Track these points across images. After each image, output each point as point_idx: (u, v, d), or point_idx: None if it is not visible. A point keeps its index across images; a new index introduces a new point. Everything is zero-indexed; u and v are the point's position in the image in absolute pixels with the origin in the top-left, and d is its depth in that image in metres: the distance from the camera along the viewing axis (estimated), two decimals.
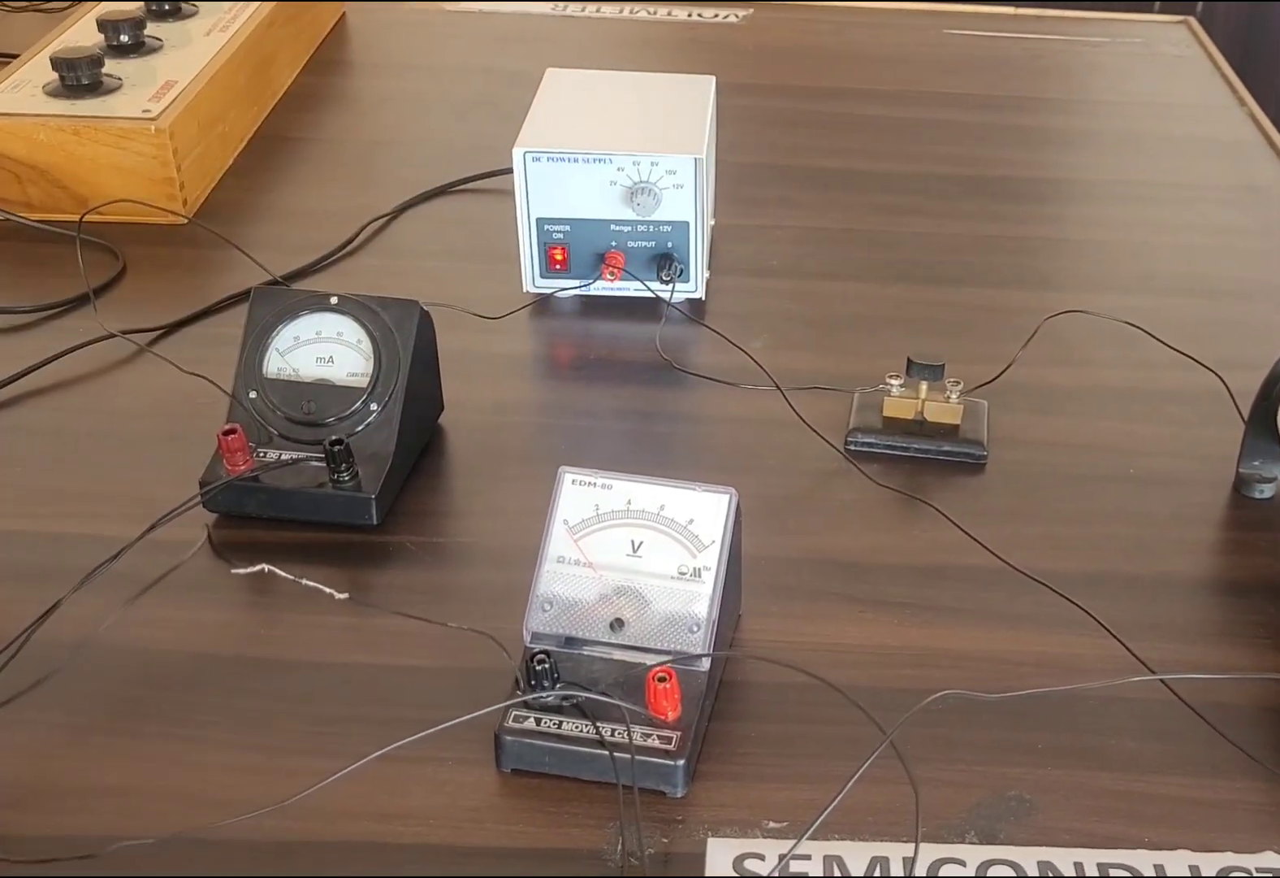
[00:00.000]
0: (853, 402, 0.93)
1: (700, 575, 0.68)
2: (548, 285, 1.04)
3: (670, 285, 1.01)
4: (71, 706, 0.70)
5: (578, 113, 1.05)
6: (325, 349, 0.84)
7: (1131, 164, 1.31)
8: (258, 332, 0.85)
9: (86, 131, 1.14)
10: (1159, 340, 0.95)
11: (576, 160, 0.99)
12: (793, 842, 0.62)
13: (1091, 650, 0.73)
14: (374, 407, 0.83)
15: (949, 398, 0.90)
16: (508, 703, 0.66)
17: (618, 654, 0.68)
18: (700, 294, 1.04)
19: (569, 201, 1.01)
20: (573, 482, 0.70)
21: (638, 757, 0.64)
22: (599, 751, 0.64)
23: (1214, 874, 0.61)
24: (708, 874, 0.61)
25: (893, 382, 0.90)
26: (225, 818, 0.63)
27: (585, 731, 0.65)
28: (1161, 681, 0.67)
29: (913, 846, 0.62)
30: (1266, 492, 0.86)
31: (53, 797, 0.65)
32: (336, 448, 0.80)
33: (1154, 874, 0.61)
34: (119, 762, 0.67)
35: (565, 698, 0.66)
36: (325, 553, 0.80)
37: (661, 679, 0.65)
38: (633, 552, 0.69)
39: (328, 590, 0.74)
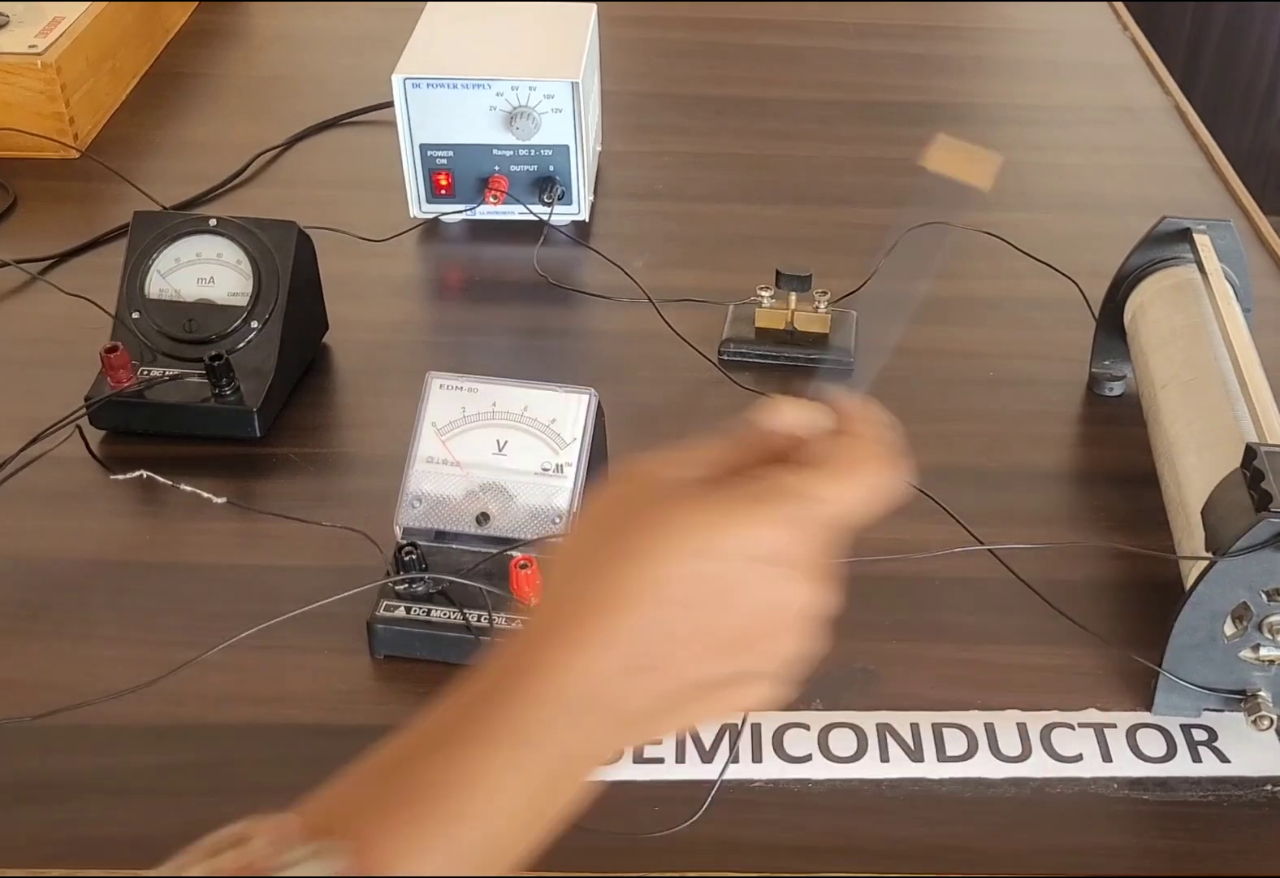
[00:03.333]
0: (727, 314, 0.96)
1: (562, 471, 0.72)
2: (434, 210, 1.06)
3: (551, 208, 1.04)
4: None
5: (457, 40, 1.07)
6: (206, 270, 0.87)
7: (1015, 88, 1.35)
8: (139, 254, 0.87)
9: None
10: (1019, 250, 0.99)
11: (456, 86, 1.01)
12: None
13: (939, 535, 0.77)
14: (254, 324, 0.85)
15: (817, 308, 0.93)
16: (377, 584, 0.69)
17: (484, 546, 0.71)
18: (584, 216, 1.07)
19: (451, 127, 1.03)
20: (440, 386, 0.73)
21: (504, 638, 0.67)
22: (466, 635, 0.68)
23: (1040, 729, 0.65)
24: None
25: (763, 293, 0.94)
26: (107, 706, 0.66)
27: (453, 617, 0.69)
28: (990, 550, 0.71)
29: (764, 713, 0.66)
30: (1116, 389, 0.90)
31: None
32: (216, 363, 0.82)
33: (984, 731, 0.65)
34: (10, 658, 0.70)
35: (433, 585, 0.69)
36: (209, 465, 0.83)
37: (523, 566, 0.68)
38: (498, 451, 0.72)
39: (205, 495, 0.77)
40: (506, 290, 1.01)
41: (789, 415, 0.50)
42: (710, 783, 0.62)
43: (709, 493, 0.45)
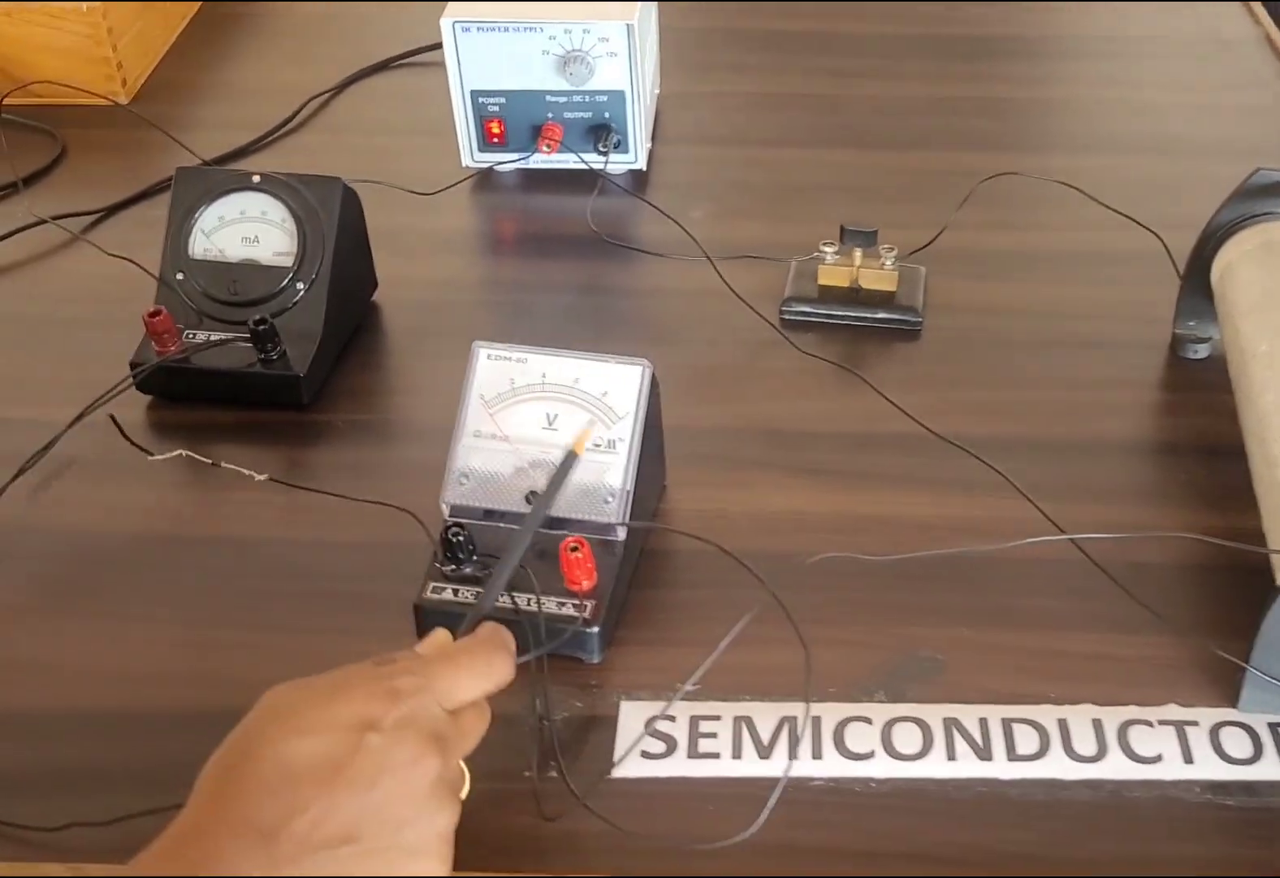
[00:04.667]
0: (788, 271, 0.92)
1: (615, 447, 0.69)
2: (485, 159, 1.02)
3: (607, 157, 1.00)
4: (10, 585, 0.71)
5: None
6: (250, 229, 0.84)
7: (1090, 19, 1.28)
8: (182, 213, 0.84)
9: (19, 11, 1.11)
10: (1097, 201, 0.94)
11: (507, 30, 0.97)
12: (703, 703, 0.64)
13: (1012, 514, 0.73)
14: (300, 286, 0.83)
15: (884, 265, 0.89)
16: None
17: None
18: (641, 165, 1.02)
19: (503, 73, 0.99)
20: (488, 356, 0.70)
21: (553, 625, 0.65)
22: (515, 619, 0.65)
23: (1116, 726, 0.62)
24: (619, 736, 0.62)
25: (827, 249, 0.89)
26: (145, 691, 0.65)
27: (501, 600, 0.66)
28: (1071, 540, 0.67)
29: (824, 705, 0.63)
30: (1201, 351, 0.86)
31: None
32: (261, 327, 0.79)
33: (1057, 728, 0.62)
34: (50, 639, 0.69)
35: (482, 569, 0.67)
36: (255, 433, 0.81)
37: (574, 549, 0.65)
38: (548, 425, 0.69)
39: (246, 472, 0.75)
40: (559, 245, 0.98)
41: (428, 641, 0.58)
42: (769, 782, 0.60)
43: (310, 682, 0.52)
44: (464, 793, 0.55)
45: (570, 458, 0.66)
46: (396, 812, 0.49)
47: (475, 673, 0.55)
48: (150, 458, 0.76)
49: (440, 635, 0.58)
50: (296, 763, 0.48)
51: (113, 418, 0.77)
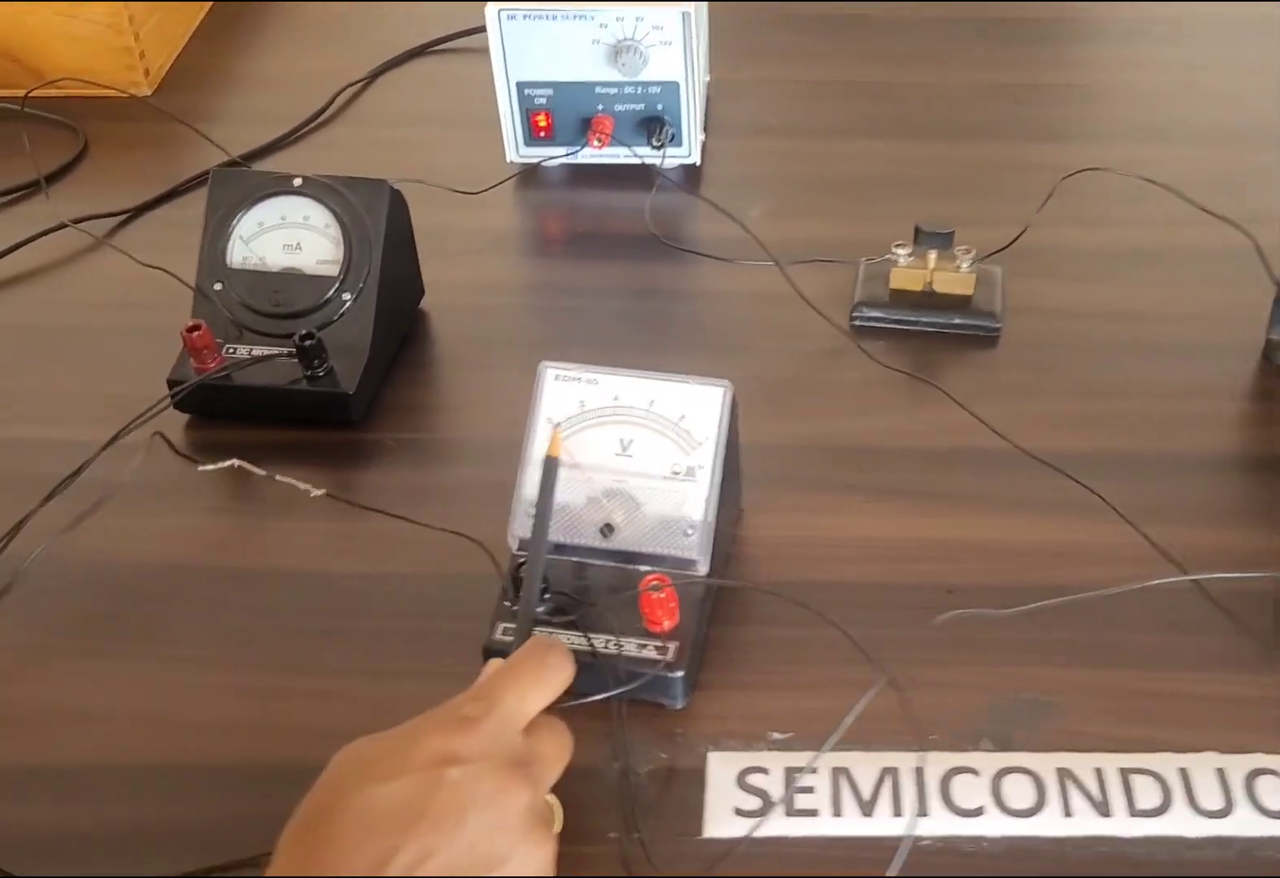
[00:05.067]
0: (857, 274, 0.87)
1: (694, 475, 0.64)
2: (532, 155, 0.97)
3: (661, 151, 0.95)
4: (36, 624, 0.67)
5: None
6: (292, 235, 0.79)
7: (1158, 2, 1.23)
8: (219, 218, 0.80)
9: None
10: (1182, 196, 0.89)
11: (555, 18, 0.92)
12: (798, 754, 0.59)
13: (1109, 539, 0.69)
14: (346, 296, 0.78)
15: (959, 267, 0.84)
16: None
17: (609, 561, 0.64)
18: (695, 159, 0.98)
19: (551, 64, 0.94)
20: (555, 377, 0.66)
21: (634, 669, 0.61)
22: (593, 662, 0.61)
23: (1243, 776, 0.58)
24: (709, 791, 0.58)
25: (899, 251, 0.85)
26: (195, 743, 0.60)
27: (577, 643, 0.62)
28: (1195, 581, 0.63)
29: (927, 755, 0.59)
30: None
31: (16, 725, 0.63)
32: (308, 343, 0.75)
33: (1179, 779, 0.58)
34: (88, 684, 0.64)
35: (554, 608, 0.63)
36: (302, 452, 0.76)
37: (655, 588, 0.61)
38: (622, 451, 0.65)
39: (302, 487, 0.70)
40: (612, 245, 0.93)
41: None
42: (873, 842, 0.56)
43: (381, 734, 0.50)
44: (556, 827, 0.52)
45: (551, 463, 0.63)
46: (491, 848, 0.46)
47: (536, 680, 0.53)
48: (201, 468, 0.71)
49: (494, 665, 0.56)
50: (380, 810, 0.46)
51: (162, 435, 0.72)
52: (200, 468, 0.73)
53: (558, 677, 0.54)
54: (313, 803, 0.48)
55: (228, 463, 0.72)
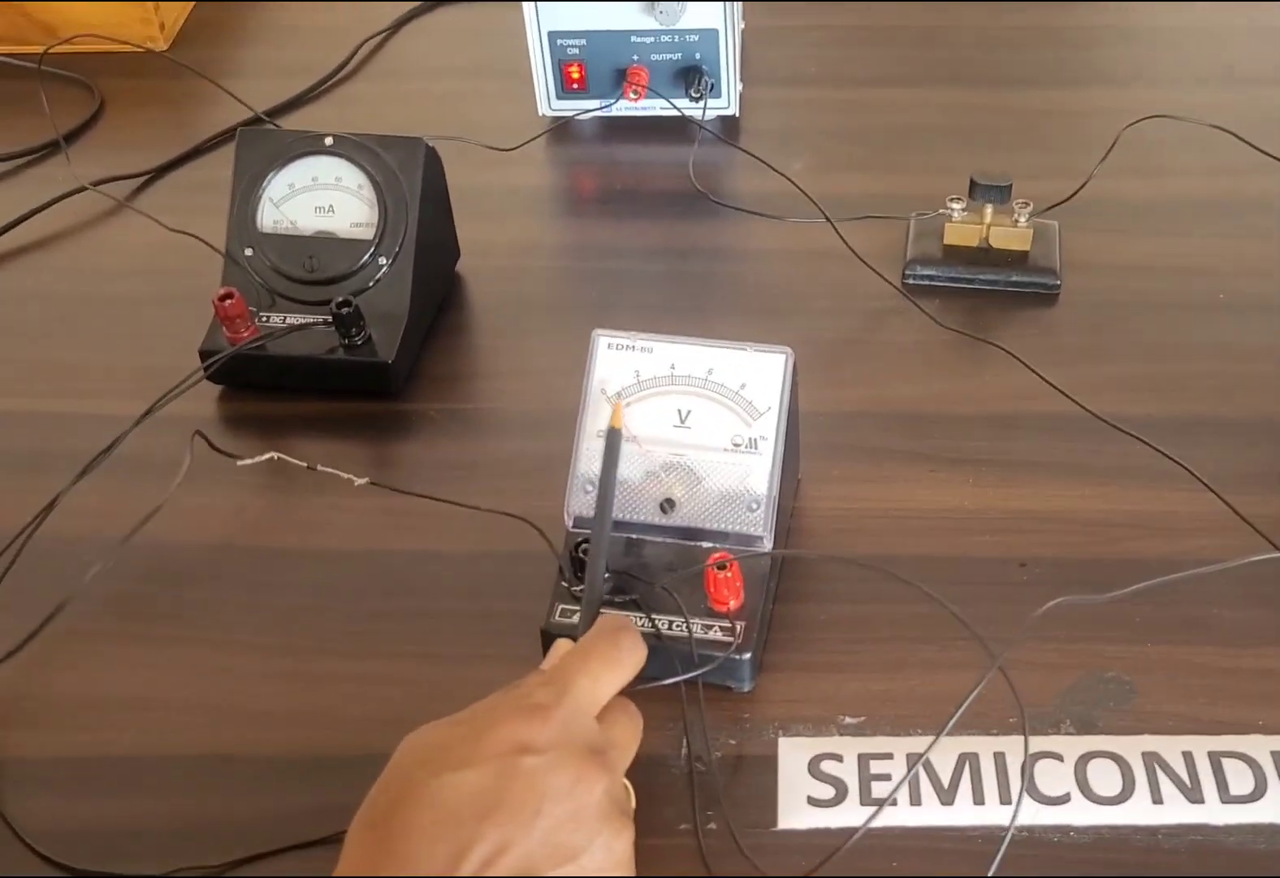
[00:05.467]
0: (909, 229, 0.84)
1: (756, 446, 0.61)
2: (565, 108, 0.94)
3: (701, 103, 0.91)
4: (80, 610, 0.64)
5: None
6: (324, 197, 0.76)
7: None
8: (247, 180, 0.76)
9: None
10: (1249, 144, 0.85)
11: None
12: (870, 739, 0.57)
13: (1188, 507, 0.66)
14: (383, 261, 0.75)
15: (1017, 221, 0.81)
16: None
17: (669, 538, 0.62)
18: (734, 110, 0.94)
19: (584, 12, 0.90)
20: (609, 346, 0.63)
21: (700, 651, 0.58)
22: (657, 643, 0.59)
23: None
24: (781, 779, 0.56)
25: (954, 205, 0.81)
26: (248, 733, 0.58)
27: (640, 624, 0.59)
28: None
29: (1007, 739, 0.57)
30: None
31: (64, 713, 0.60)
32: (345, 310, 0.72)
33: (1272, 762, 0.56)
34: (135, 671, 0.62)
35: (615, 588, 0.60)
36: (341, 425, 0.74)
37: (721, 566, 0.58)
38: (680, 422, 0.62)
39: (345, 476, 0.67)
40: (651, 202, 0.89)
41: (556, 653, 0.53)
42: (955, 832, 0.54)
43: (449, 719, 0.48)
44: (632, 806, 0.50)
45: (614, 435, 0.60)
46: (568, 838, 0.45)
47: (609, 662, 0.50)
48: (239, 463, 0.69)
49: (562, 646, 0.54)
50: (454, 800, 0.44)
51: (202, 435, 0.69)
52: (239, 463, 0.69)
53: (631, 659, 0.51)
54: (384, 793, 0.46)
55: (266, 457, 0.69)
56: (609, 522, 0.59)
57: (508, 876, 0.43)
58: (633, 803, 0.52)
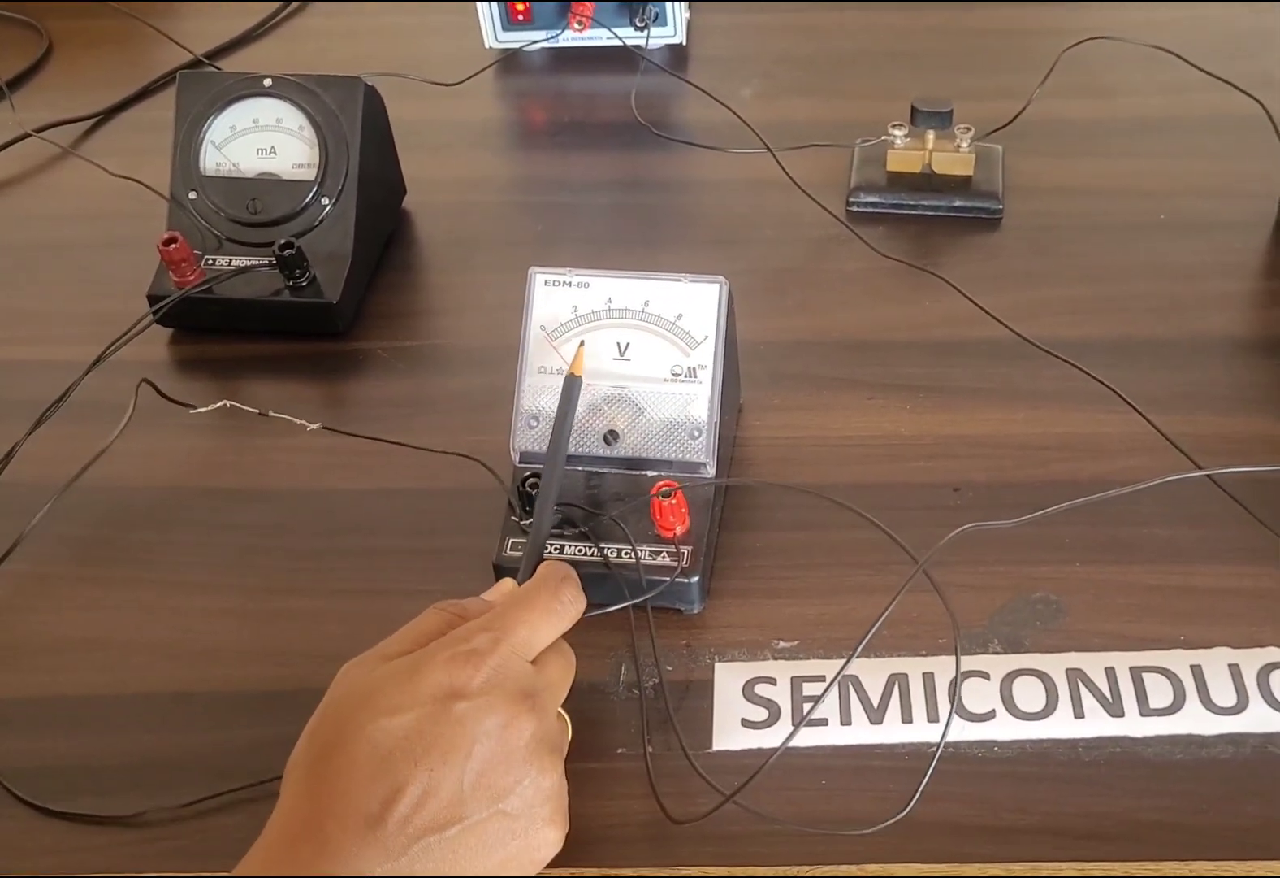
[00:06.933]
0: (853, 156, 0.84)
1: (696, 375, 0.62)
2: (510, 40, 0.94)
3: (645, 32, 0.91)
4: (35, 553, 0.65)
5: None
6: (265, 139, 0.76)
7: None
8: (189, 123, 0.77)
9: None
10: (1189, 63, 0.85)
11: None
12: (803, 662, 0.59)
13: (1119, 428, 0.67)
14: (325, 201, 0.75)
15: (959, 147, 0.81)
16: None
17: (615, 469, 0.63)
18: (681, 39, 0.94)
19: None
20: (545, 283, 0.64)
21: (649, 576, 0.60)
22: (605, 572, 0.60)
23: (1256, 671, 0.57)
24: (717, 703, 0.58)
25: (896, 132, 0.82)
26: (204, 670, 0.60)
27: (589, 553, 0.61)
28: (1209, 477, 0.61)
29: (936, 659, 0.59)
30: None
31: (23, 655, 0.62)
32: (287, 252, 0.73)
33: (1191, 676, 0.57)
34: (89, 612, 0.63)
35: (563, 520, 0.61)
36: (291, 366, 0.75)
37: (665, 494, 0.60)
38: (620, 355, 0.63)
39: (298, 422, 0.68)
40: (598, 134, 0.90)
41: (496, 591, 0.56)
42: (883, 749, 0.55)
43: (384, 654, 0.50)
44: (568, 739, 0.53)
45: (572, 382, 0.61)
46: (498, 779, 0.47)
47: (550, 613, 0.52)
48: (192, 411, 0.69)
49: (506, 585, 0.56)
50: (387, 744, 0.46)
51: (150, 384, 0.70)
52: (191, 411, 0.70)
53: (570, 611, 0.53)
54: (318, 735, 0.48)
55: (219, 405, 0.70)
56: (560, 468, 0.60)
57: (439, 815, 0.46)
58: (569, 736, 0.54)
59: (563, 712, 0.54)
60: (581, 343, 0.62)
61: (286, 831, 0.46)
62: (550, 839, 0.49)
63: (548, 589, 0.53)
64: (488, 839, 0.47)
